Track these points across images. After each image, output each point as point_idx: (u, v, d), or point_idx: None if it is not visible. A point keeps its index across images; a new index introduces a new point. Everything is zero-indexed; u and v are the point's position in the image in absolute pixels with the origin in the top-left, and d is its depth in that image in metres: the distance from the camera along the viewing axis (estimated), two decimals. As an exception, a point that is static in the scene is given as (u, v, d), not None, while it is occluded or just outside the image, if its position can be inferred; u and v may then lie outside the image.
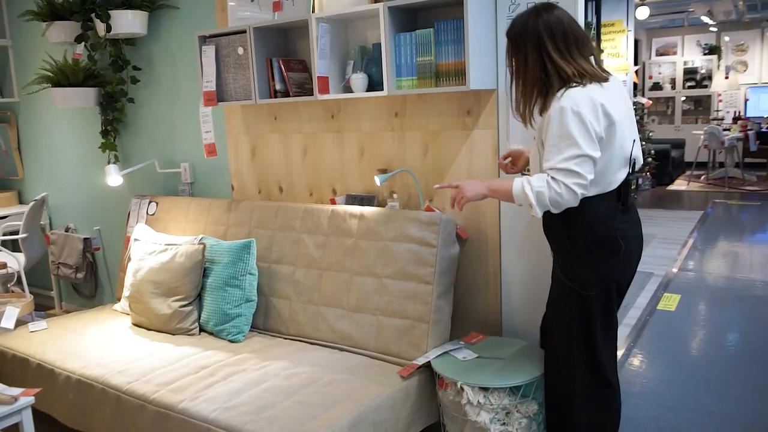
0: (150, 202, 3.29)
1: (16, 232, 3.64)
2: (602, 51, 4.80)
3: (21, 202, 4.40)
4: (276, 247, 2.72)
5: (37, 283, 4.53)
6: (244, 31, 2.67)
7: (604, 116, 1.82)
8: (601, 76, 1.89)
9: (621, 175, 1.90)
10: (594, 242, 1.93)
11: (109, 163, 3.65)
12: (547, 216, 1.92)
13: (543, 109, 1.90)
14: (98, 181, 3.72)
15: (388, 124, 2.63)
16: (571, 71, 1.84)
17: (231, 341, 2.56)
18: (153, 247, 2.82)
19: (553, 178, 1.79)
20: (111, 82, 3.39)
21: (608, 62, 4.97)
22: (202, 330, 2.69)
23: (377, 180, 2.51)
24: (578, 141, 1.77)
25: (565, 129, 1.79)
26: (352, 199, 2.73)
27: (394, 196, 2.60)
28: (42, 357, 2.49)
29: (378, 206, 2.66)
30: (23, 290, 3.15)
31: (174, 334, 2.67)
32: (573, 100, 1.80)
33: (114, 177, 3.20)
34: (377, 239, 2.45)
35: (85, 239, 3.93)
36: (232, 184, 3.20)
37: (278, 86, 2.70)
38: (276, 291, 2.68)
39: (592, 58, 1.91)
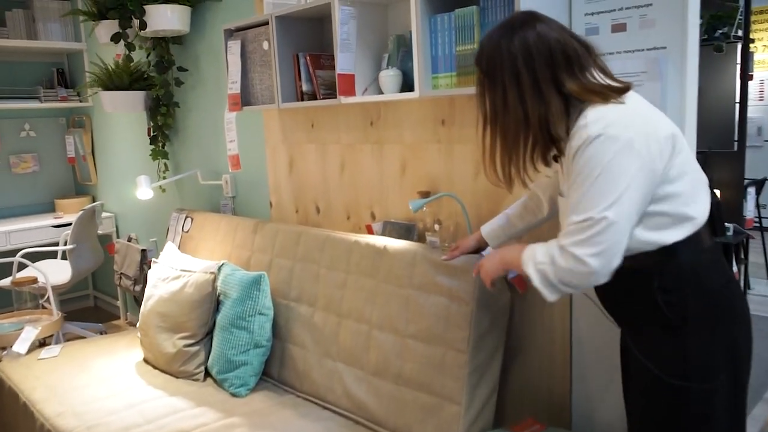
0: (186, 217, 2.96)
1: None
2: (752, 41, 3.84)
3: (95, 208, 4.32)
4: (296, 281, 2.25)
5: (107, 292, 4.45)
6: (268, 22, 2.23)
7: (667, 141, 1.25)
8: (623, 89, 1.31)
9: (706, 197, 1.33)
10: (708, 304, 1.29)
11: (160, 171, 3.39)
12: (617, 277, 1.27)
13: (558, 155, 1.36)
14: (156, 190, 3.48)
15: (433, 135, 2.06)
16: (580, 88, 1.28)
17: (233, 395, 2.12)
18: (168, 272, 2.46)
19: (561, 247, 1.24)
20: (156, 85, 3.11)
21: (762, 56, 3.98)
22: (208, 375, 2.28)
23: (411, 206, 1.95)
24: (615, 194, 1.21)
25: (599, 170, 1.22)
26: (390, 228, 2.19)
27: (437, 227, 2.03)
28: (30, 395, 2.20)
29: (418, 239, 2.09)
30: (54, 307, 2.94)
31: (177, 377, 2.28)
32: (607, 121, 1.22)
33: (144, 189, 2.91)
34: (400, 285, 1.89)
35: (142, 251, 3.72)
36: (271, 201, 2.79)
37: (305, 87, 2.22)
38: (293, 335, 2.21)
39: (597, 73, 1.33)
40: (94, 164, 4.24)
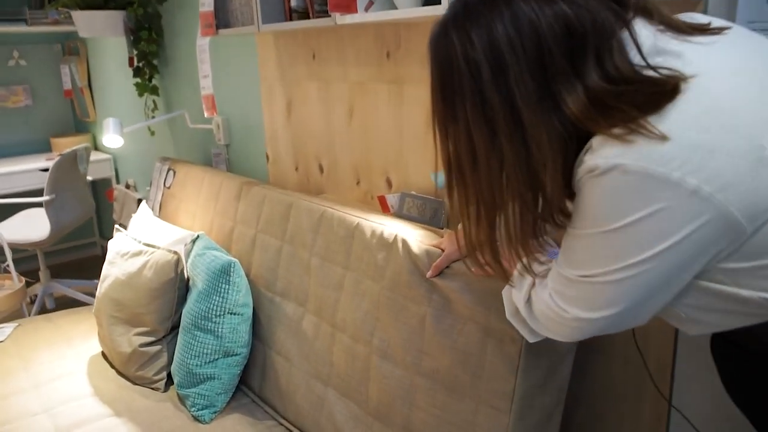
0: (169, 169, 2.41)
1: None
2: None
3: (96, 148, 3.84)
4: (283, 270, 1.68)
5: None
6: None
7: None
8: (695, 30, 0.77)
9: None
10: None
11: (148, 110, 2.83)
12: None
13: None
14: (161, 128, 2.93)
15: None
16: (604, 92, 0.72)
17: (195, 418, 1.61)
18: (129, 245, 1.93)
19: (551, 295, 0.84)
20: (134, 2, 2.51)
21: None
22: (172, 381, 1.77)
23: (433, 178, 1.33)
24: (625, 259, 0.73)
25: (619, 224, 0.73)
26: (410, 203, 1.57)
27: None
28: (-49, 398, 1.75)
29: (446, 225, 1.48)
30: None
31: (134, 384, 1.79)
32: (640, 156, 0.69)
33: (111, 136, 2.35)
34: (415, 299, 1.29)
35: (139, 200, 3.23)
36: (267, 153, 2.19)
37: (294, 1, 1.58)
38: (276, 340, 1.66)
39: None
40: (92, 98, 3.72)
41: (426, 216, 1.52)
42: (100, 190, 3.83)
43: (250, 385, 1.74)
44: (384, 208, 1.66)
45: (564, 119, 0.72)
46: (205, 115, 2.00)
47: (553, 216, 0.77)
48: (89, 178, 3.28)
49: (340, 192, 1.89)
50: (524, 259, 0.81)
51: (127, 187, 3.45)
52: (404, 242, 1.34)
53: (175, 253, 1.75)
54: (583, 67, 0.71)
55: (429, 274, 1.27)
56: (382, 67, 1.63)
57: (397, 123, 1.63)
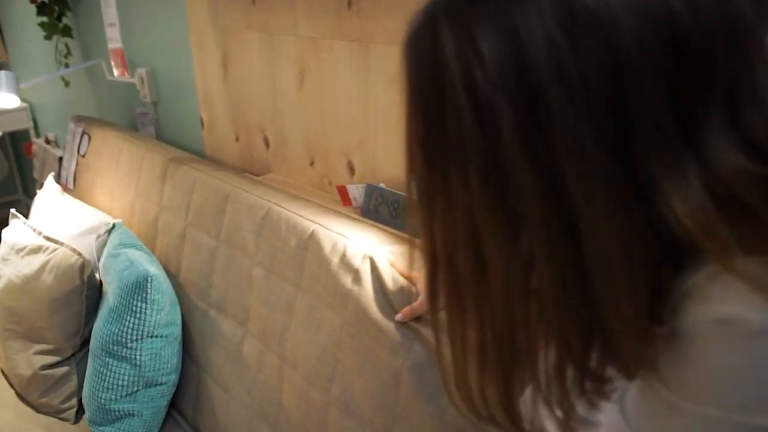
0: (83, 133, 1.99)
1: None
2: None
3: (10, 93, 3.31)
4: (219, 276, 1.34)
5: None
6: None
7: None
8: None
9: None
10: None
11: (59, 55, 2.37)
12: None
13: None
14: (79, 78, 2.47)
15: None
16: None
17: (110, 464, 1.30)
18: (27, 236, 1.55)
19: None
20: None
21: None
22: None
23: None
24: None
25: None
26: (379, 200, 1.24)
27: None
28: None
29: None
30: None
31: (38, 412, 1.46)
32: None
33: (4, 94, 1.90)
34: (387, 347, 0.97)
35: (60, 158, 2.79)
36: (201, 117, 1.80)
37: (223, -72, 1.16)
38: (212, 364, 1.34)
39: None
40: (1, 34, 3.18)
41: (399, 219, 1.19)
42: (20, 142, 3.34)
43: (182, 412, 1.42)
44: (345, 201, 1.32)
45: (659, 224, 0.39)
46: (115, 74, 1.59)
47: (620, 370, 0.44)
48: (-2, 132, 2.81)
49: (290, 173, 1.53)
50: (558, 413, 0.49)
51: (47, 142, 2.98)
52: (374, 267, 1.01)
53: (80, 255, 1.39)
54: (703, 121, 0.38)
55: (399, 317, 0.96)
56: (341, 19, 1.25)
57: (361, 93, 1.27)
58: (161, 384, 1.32)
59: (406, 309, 0.95)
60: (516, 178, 0.39)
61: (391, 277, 0.99)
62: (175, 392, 1.38)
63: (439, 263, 0.48)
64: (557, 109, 0.37)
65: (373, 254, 1.03)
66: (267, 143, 1.58)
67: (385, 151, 1.26)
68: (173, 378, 1.34)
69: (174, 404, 1.42)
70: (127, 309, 1.26)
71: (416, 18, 0.45)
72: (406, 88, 0.47)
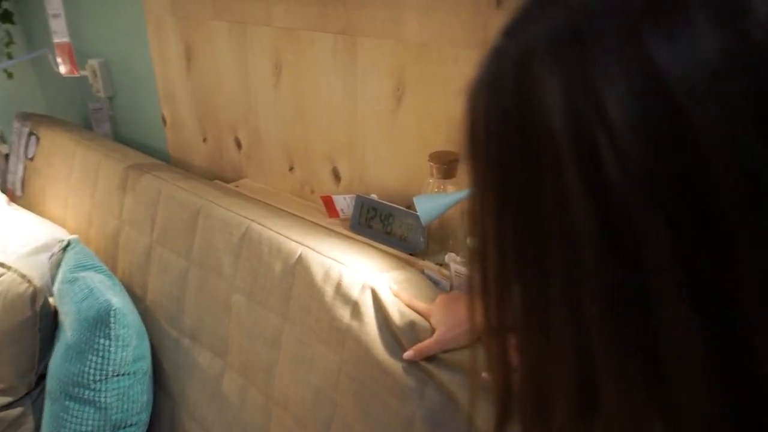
0: (30, 133, 1.79)
1: None
2: None
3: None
4: (191, 303, 1.19)
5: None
6: None
7: None
8: None
9: None
10: None
11: (1, 44, 2.14)
12: None
13: None
14: (24, 70, 2.23)
15: (473, 23, 0.90)
16: None
17: None
18: (-31, 258, 1.36)
19: None
20: None
21: None
22: (46, 451, 1.29)
23: (421, 212, 0.86)
24: None
25: None
26: (369, 213, 1.10)
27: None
28: None
29: (422, 249, 1.02)
30: None
31: (-9, 456, 1.29)
32: None
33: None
34: (395, 392, 0.84)
35: (6, 156, 2.56)
36: (163, 114, 1.63)
37: None
38: (187, 399, 1.20)
39: None
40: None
41: (395, 236, 1.05)
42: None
43: (156, 448, 1.28)
44: (330, 212, 1.18)
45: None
46: (62, 71, 1.40)
47: None
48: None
49: (267, 178, 1.38)
50: None
51: (-9, 137, 2.74)
52: (376, 299, 0.88)
53: (30, 282, 1.22)
54: None
55: (408, 354, 0.83)
56: (325, 7, 1.10)
57: (347, 91, 1.12)
58: (131, 425, 1.17)
59: (418, 346, 0.83)
60: (666, 321, 0.26)
61: (397, 310, 0.87)
62: (148, 430, 1.23)
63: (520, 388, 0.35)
64: (735, 216, 0.24)
65: (374, 284, 0.90)
66: (239, 145, 1.42)
67: (376, 158, 1.13)
68: (144, 417, 1.19)
69: (146, 439, 1.27)
70: (87, 347, 1.10)
71: (495, 57, 0.30)
72: (475, 154, 0.33)
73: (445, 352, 0.81)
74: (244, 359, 1.08)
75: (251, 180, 1.42)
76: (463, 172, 0.96)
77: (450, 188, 0.95)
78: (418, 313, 0.86)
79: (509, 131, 0.30)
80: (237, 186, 1.37)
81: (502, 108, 0.30)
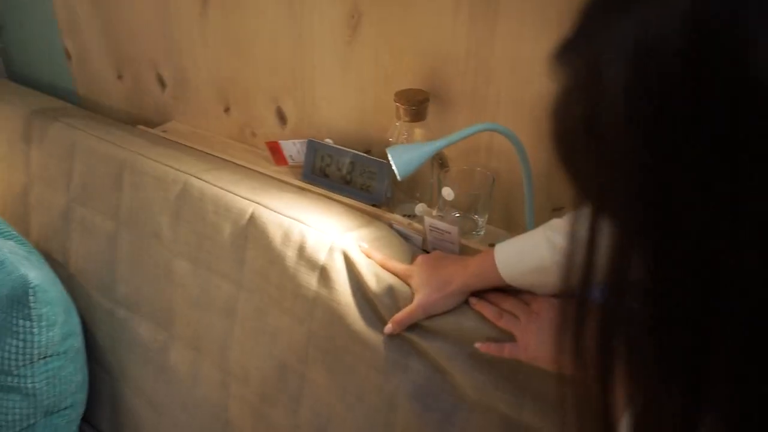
0: None
1: None
2: None
3: None
4: (125, 269, 1.05)
5: None
6: None
7: None
8: None
9: None
10: None
11: None
12: None
13: None
14: None
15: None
16: None
17: None
18: None
19: None
20: None
21: None
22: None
23: (397, 169, 0.75)
24: None
25: None
26: (326, 159, 0.98)
27: (447, 194, 0.84)
28: None
29: (386, 199, 0.92)
30: None
31: None
32: None
33: None
34: (376, 366, 0.76)
35: None
36: (66, 47, 1.40)
37: None
38: (128, 375, 1.08)
39: None
40: None
41: (355, 185, 0.94)
42: None
43: (96, 424, 1.16)
44: (278, 160, 1.05)
45: None
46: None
47: None
48: None
49: (199, 121, 1.22)
50: None
51: None
52: (348, 262, 0.78)
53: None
54: None
55: (387, 328, 0.74)
56: None
57: (293, 17, 0.97)
58: (66, 408, 1.04)
59: (398, 316, 0.74)
60: None
61: (373, 273, 0.77)
62: (88, 409, 1.11)
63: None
64: None
65: (344, 246, 0.79)
66: (162, 83, 1.24)
67: (328, 97, 0.99)
68: (80, 397, 1.07)
69: (89, 422, 1.15)
70: (5, 330, 0.95)
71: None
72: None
73: (429, 318, 0.73)
74: (193, 331, 0.97)
75: (179, 123, 1.25)
76: (432, 113, 0.85)
77: (418, 132, 0.84)
78: (396, 275, 0.77)
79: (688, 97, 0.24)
80: (164, 131, 1.21)
81: (666, 75, 0.22)
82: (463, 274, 0.72)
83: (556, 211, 0.82)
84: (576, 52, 0.28)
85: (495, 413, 0.69)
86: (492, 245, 0.82)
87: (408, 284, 0.76)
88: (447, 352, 0.72)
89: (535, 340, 0.64)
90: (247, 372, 0.90)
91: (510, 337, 0.67)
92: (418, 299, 0.73)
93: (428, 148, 0.73)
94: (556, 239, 0.63)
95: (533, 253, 0.65)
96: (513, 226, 0.87)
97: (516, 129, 0.75)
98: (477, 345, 0.69)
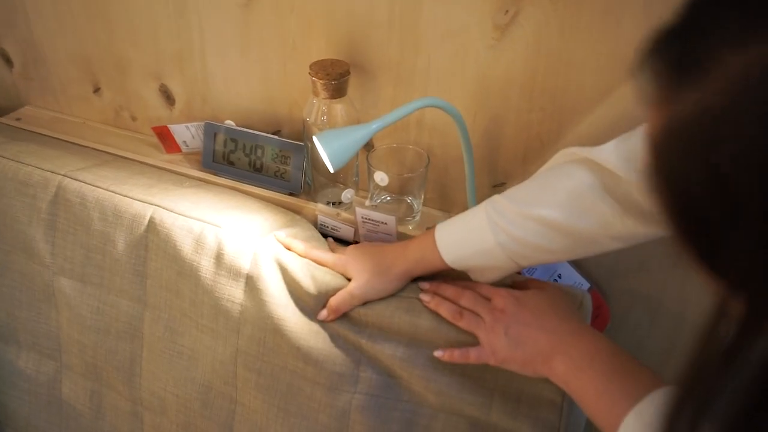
0: None
1: None
2: None
3: None
4: (-11, 294, 0.87)
5: None
6: None
7: None
8: None
9: None
10: None
11: None
12: None
13: None
14: None
15: None
16: None
17: None
18: None
19: None
20: None
21: None
22: None
23: (328, 158, 0.64)
24: None
25: None
26: (229, 144, 0.85)
27: (379, 178, 0.74)
28: None
29: (303, 188, 0.82)
30: None
31: None
32: None
33: None
34: (320, 382, 0.68)
35: None
36: None
37: None
38: (13, 417, 0.91)
39: None
40: None
41: (268, 172, 0.83)
42: None
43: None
44: (168, 147, 0.91)
45: None
46: None
47: None
48: None
49: (61, 105, 1.03)
50: None
51: None
52: (281, 268, 0.68)
53: None
54: None
55: (321, 315, 0.66)
56: None
57: (170, -19, 0.81)
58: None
59: (333, 301, 0.66)
60: None
61: (311, 278, 0.67)
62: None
63: None
64: None
65: (274, 250, 0.69)
66: (8, 61, 1.02)
67: (224, 71, 0.86)
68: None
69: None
70: None
71: None
72: None
73: (381, 320, 0.65)
74: (89, 358, 0.82)
75: (36, 108, 1.05)
76: (353, 87, 0.75)
77: (339, 109, 0.74)
78: (325, 265, 0.68)
79: None
80: (18, 119, 1.00)
81: None
82: (404, 260, 0.65)
83: (497, 188, 0.76)
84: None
85: (461, 416, 0.64)
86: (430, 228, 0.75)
87: (345, 275, 0.67)
88: (402, 357, 0.65)
89: (503, 342, 0.58)
90: (162, 400, 0.78)
91: (472, 338, 0.61)
92: (353, 284, 0.65)
93: (363, 132, 0.64)
94: (498, 219, 0.57)
95: (476, 234, 0.59)
96: (450, 206, 0.80)
97: (449, 102, 0.67)
98: (437, 354, 0.62)
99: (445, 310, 0.62)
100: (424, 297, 0.64)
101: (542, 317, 0.57)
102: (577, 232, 0.54)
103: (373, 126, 0.64)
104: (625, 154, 0.52)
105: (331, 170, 0.65)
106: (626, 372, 0.50)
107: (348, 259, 0.68)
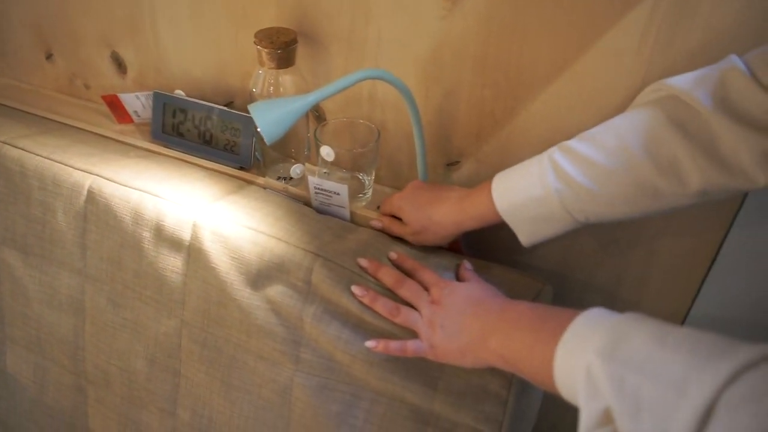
0: None
1: None
2: None
3: None
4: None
5: None
6: None
7: None
8: None
9: None
10: None
11: None
12: None
13: None
14: None
15: None
16: None
17: None
18: None
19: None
20: None
21: None
22: None
23: (264, 132, 0.63)
24: None
25: None
26: (179, 115, 0.83)
27: (326, 153, 0.73)
28: None
29: (253, 161, 0.80)
30: None
31: None
32: None
33: None
34: (263, 355, 0.67)
35: None
36: None
37: None
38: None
39: None
40: None
41: (217, 145, 0.81)
42: None
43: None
44: (120, 117, 0.88)
45: None
46: None
47: None
48: None
49: (13, 72, 1.00)
50: None
51: None
52: (221, 239, 0.66)
53: None
54: None
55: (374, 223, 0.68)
56: None
57: (119, -56, 0.78)
58: None
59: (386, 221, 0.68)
60: None
61: (255, 245, 0.66)
62: None
63: None
64: None
65: (213, 220, 0.67)
66: (-45, 24, 0.99)
67: (175, 40, 0.83)
68: None
69: None
70: None
71: None
72: None
73: (325, 301, 0.64)
74: (33, 330, 0.80)
75: (-12, 76, 1.02)
76: (303, 57, 0.73)
77: (287, 80, 0.72)
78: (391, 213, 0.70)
79: None
80: (-35, 85, 0.97)
81: None
82: (459, 210, 0.62)
83: (451, 166, 0.75)
84: None
85: (403, 403, 0.63)
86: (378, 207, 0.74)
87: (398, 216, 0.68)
88: (345, 340, 0.63)
89: (440, 337, 0.56)
90: (106, 373, 0.77)
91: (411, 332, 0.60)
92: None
93: (300, 104, 0.62)
94: (560, 161, 0.54)
95: (533, 180, 0.55)
96: (403, 184, 0.79)
97: (401, 75, 0.65)
98: (369, 344, 0.60)
99: (381, 306, 0.60)
100: (357, 291, 0.62)
101: (476, 304, 0.56)
102: (641, 179, 0.51)
103: (310, 98, 0.62)
104: (711, 89, 0.49)
105: (267, 143, 0.63)
106: (549, 317, 0.47)
107: (403, 202, 0.68)
